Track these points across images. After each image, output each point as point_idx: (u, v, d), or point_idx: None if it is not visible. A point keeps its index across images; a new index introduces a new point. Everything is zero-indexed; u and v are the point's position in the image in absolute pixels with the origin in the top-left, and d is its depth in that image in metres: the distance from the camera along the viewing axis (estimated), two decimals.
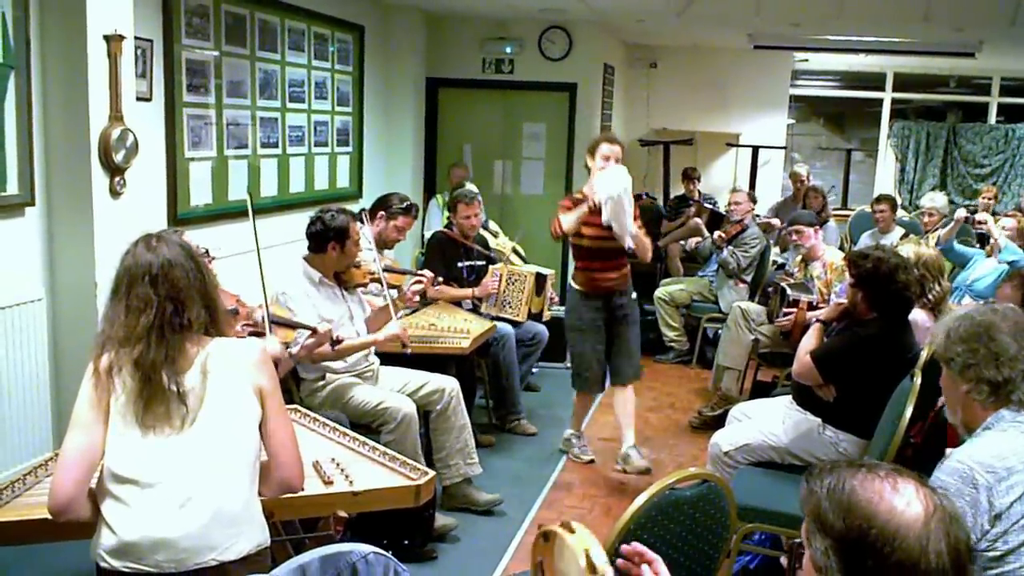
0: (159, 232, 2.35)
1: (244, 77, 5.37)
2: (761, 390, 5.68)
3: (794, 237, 5.91)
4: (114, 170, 3.98)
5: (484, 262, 5.76)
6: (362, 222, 4.43)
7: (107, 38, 3.89)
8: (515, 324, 5.60)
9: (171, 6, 4.68)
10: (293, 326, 3.79)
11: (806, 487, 1.42)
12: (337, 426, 3.16)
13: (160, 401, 2.15)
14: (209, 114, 5.07)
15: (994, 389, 2.25)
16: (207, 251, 3.52)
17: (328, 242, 4.09)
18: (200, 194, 5.03)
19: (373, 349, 4.27)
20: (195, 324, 2.23)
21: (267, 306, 3.52)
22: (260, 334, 3.60)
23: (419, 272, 4.62)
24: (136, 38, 4.16)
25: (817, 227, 5.93)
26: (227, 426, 2.20)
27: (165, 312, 2.20)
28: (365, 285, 4.35)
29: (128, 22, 4.02)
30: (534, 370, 6.32)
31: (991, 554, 2.10)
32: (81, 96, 3.85)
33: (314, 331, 3.61)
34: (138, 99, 4.24)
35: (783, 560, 1.94)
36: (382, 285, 4.28)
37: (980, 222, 5.64)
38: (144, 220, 4.09)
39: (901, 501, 1.33)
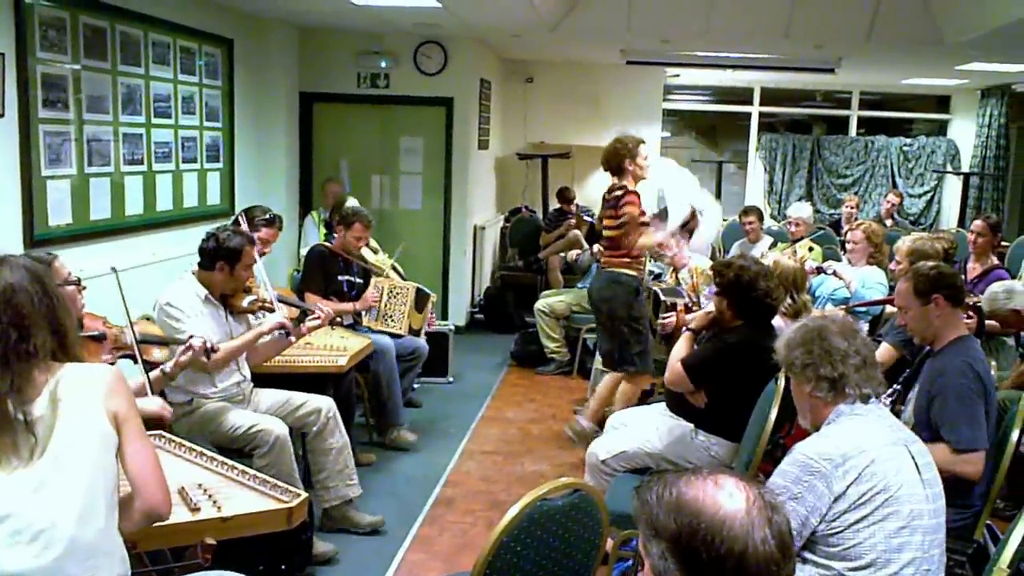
0: (1, 255, 2.23)
1: (105, 92, 5.18)
2: (640, 398, 5.78)
3: (657, 249, 6.09)
4: None
5: (363, 279, 5.70)
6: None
7: None
8: (395, 337, 5.56)
9: (24, 18, 4.47)
10: (166, 343, 3.66)
11: (637, 499, 1.49)
12: (204, 450, 3.06)
13: (6, 432, 2.03)
14: (68, 130, 4.86)
15: (832, 384, 2.47)
16: (78, 280, 3.39)
17: (217, 261, 4.00)
18: (59, 214, 4.81)
19: (247, 373, 4.17)
20: (40, 351, 2.12)
21: (132, 326, 3.41)
22: (132, 357, 3.48)
23: (315, 307, 4.50)
24: None
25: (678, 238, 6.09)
26: (80, 454, 2.09)
27: (9, 339, 2.08)
28: (253, 312, 4.23)
29: None
30: (415, 385, 6.28)
31: (830, 531, 2.30)
32: None
33: (188, 346, 3.50)
34: None
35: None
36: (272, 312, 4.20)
37: (833, 273, 5.85)
38: None
39: (724, 495, 1.41)
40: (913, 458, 2.37)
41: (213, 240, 4.00)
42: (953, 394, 3.14)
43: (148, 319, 4.12)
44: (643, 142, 5.22)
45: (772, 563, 1.37)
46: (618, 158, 5.12)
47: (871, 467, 2.28)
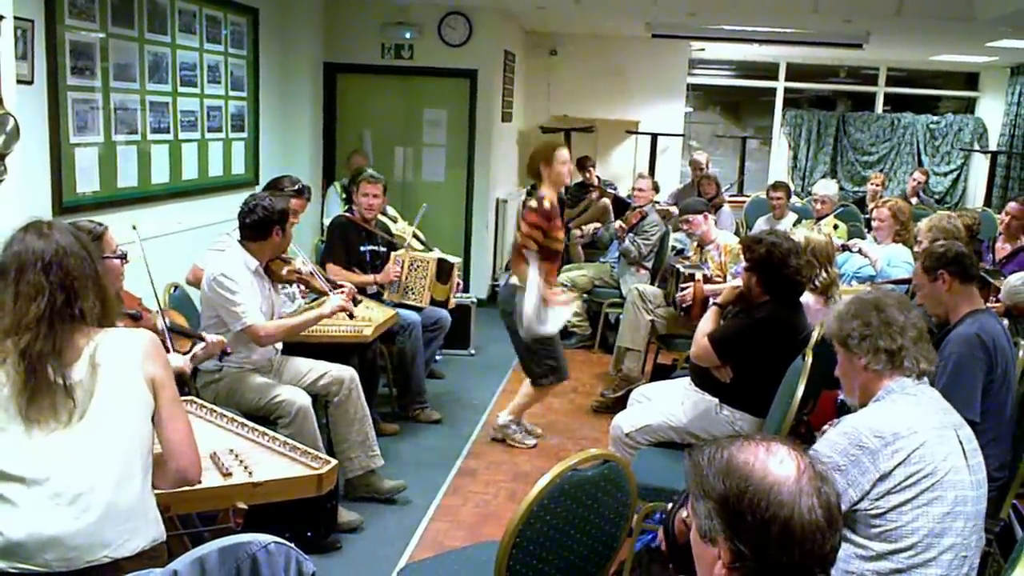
0: (49, 219, 2.25)
1: (132, 60, 5.18)
2: (661, 373, 5.78)
3: (685, 227, 6.08)
4: None
5: (386, 248, 5.70)
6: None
7: None
8: (417, 309, 5.57)
9: None
10: (191, 336, 3.68)
11: (689, 461, 1.49)
12: (235, 416, 3.09)
13: (45, 394, 2.06)
14: (95, 98, 4.87)
15: (890, 357, 2.42)
16: (124, 254, 3.40)
17: (273, 227, 4.03)
18: (87, 181, 4.83)
19: (279, 344, 4.20)
20: (88, 315, 2.15)
21: (164, 314, 3.44)
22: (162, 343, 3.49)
23: (340, 284, 4.53)
24: (16, 18, 3.95)
25: (707, 213, 6.07)
26: (118, 418, 2.12)
27: (56, 301, 2.11)
28: (291, 283, 4.26)
29: (7, 1, 3.83)
30: (438, 357, 6.30)
31: (874, 511, 2.27)
32: None
33: (207, 343, 3.51)
34: (18, 82, 4.04)
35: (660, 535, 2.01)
36: (306, 286, 4.29)
37: (859, 251, 5.80)
38: (27, 208, 3.92)
39: (774, 461, 1.42)
40: (961, 443, 2.33)
41: (261, 210, 4.00)
42: (952, 362, 3.18)
43: (177, 287, 4.14)
44: (562, 146, 5.03)
45: (818, 532, 1.37)
46: (534, 163, 4.97)
47: (920, 450, 2.24)
